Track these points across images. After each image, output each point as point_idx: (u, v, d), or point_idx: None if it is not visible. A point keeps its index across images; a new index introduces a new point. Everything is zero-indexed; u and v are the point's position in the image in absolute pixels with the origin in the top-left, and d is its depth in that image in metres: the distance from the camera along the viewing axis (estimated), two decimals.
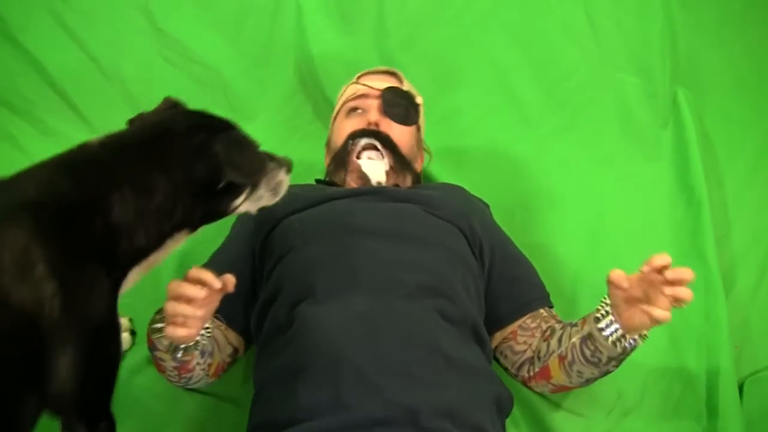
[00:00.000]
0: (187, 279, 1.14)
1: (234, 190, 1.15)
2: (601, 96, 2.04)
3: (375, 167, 1.59)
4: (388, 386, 1.14)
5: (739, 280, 1.74)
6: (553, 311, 1.47)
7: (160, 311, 1.25)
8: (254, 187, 1.19)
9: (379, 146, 1.60)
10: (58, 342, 0.96)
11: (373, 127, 1.62)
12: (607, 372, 1.31)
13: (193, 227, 1.16)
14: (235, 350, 1.44)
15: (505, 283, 1.47)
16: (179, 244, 1.16)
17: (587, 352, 1.27)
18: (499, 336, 1.46)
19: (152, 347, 1.27)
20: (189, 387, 1.42)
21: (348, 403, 1.13)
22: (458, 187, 1.65)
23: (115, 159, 1.07)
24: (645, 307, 1.16)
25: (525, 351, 1.41)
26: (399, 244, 1.36)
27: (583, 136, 1.98)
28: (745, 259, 1.78)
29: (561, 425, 1.48)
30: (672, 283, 1.13)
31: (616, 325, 1.23)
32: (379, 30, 2.07)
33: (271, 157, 1.23)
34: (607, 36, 2.10)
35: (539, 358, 1.38)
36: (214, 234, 1.54)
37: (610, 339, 1.23)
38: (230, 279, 1.16)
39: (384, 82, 1.68)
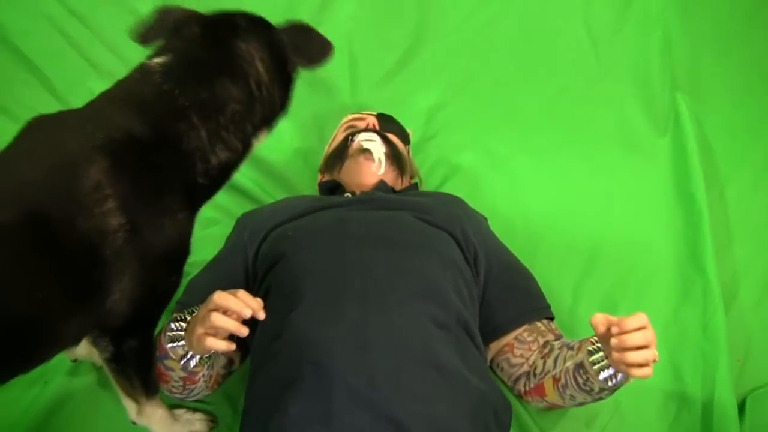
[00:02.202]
0: (236, 296, 1.12)
1: (295, 77, 1.24)
2: (600, 107, 2.05)
3: (374, 146, 1.62)
4: (378, 399, 1.11)
5: (742, 293, 1.71)
6: (553, 324, 1.45)
7: (176, 320, 1.24)
8: None
9: (377, 137, 1.64)
10: (117, 268, 1.02)
11: (371, 127, 1.68)
12: (600, 399, 1.28)
13: (270, 124, 1.23)
14: (230, 362, 1.43)
15: (503, 292, 1.45)
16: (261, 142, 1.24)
17: (580, 380, 1.25)
18: (495, 347, 1.44)
19: (163, 356, 1.26)
20: (187, 399, 1.40)
21: (338, 415, 1.11)
22: (455, 197, 1.64)
23: (176, 86, 1.10)
24: (618, 356, 1.13)
25: (522, 365, 1.39)
26: (391, 251, 1.34)
27: (583, 148, 1.98)
28: (748, 272, 1.76)
29: None
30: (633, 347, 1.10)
31: (606, 362, 1.19)
32: (377, 45, 2.07)
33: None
34: (607, 47, 2.11)
35: (535, 375, 1.36)
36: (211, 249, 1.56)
37: (602, 375, 1.20)
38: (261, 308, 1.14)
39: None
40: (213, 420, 1.42)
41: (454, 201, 1.61)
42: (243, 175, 1.84)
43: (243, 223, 1.57)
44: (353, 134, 1.66)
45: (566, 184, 1.90)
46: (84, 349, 1.21)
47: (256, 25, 1.19)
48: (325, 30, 1.24)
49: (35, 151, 1.04)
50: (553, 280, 1.61)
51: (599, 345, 1.21)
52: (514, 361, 1.41)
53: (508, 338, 1.42)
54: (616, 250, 1.76)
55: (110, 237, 1.00)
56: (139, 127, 1.05)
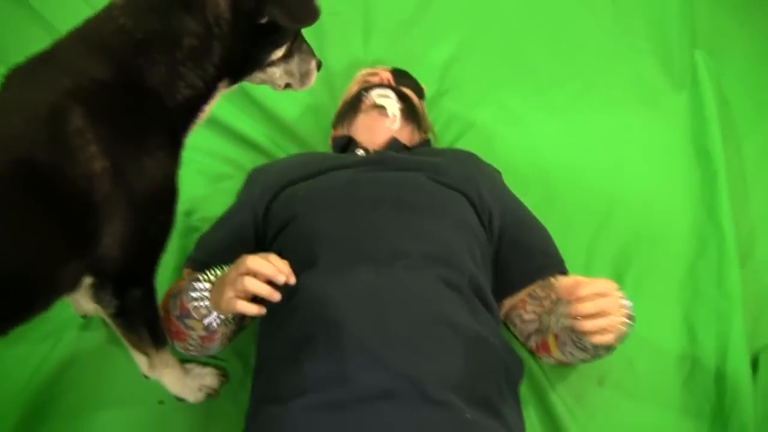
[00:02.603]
0: (268, 260, 1.12)
1: (275, 39, 1.17)
2: (616, 63, 2.03)
3: (389, 102, 1.61)
4: (393, 358, 1.11)
5: (758, 249, 1.68)
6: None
7: (198, 280, 1.24)
8: (289, 54, 1.22)
9: (391, 93, 1.62)
10: (106, 212, 1.03)
11: (386, 82, 1.66)
12: (599, 357, 1.27)
13: (233, 76, 1.18)
14: (242, 319, 1.43)
15: (516, 248, 1.44)
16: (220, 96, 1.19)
17: (574, 339, 1.24)
18: (508, 303, 1.44)
19: (185, 315, 1.25)
20: (201, 356, 1.41)
21: (353, 374, 1.11)
22: (468, 152, 1.62)
23: (132, 19, 1.06)
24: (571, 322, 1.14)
25: (534, 321, 1.38)
26: (403, 213, 1.33)
27: (598, 104, 1.95)
28: (765, 227, 1.73)
29: (565, 398, 1.43)
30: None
31: None
32: None
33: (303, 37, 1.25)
34: (625, 4, 2.07)
35: (542, 331, 1.35)
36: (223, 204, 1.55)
37: None
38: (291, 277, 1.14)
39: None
40: (224, 375, 1.43)
41: (469, 158, 1.59)
42: (254, 129, 1.84)
43: (254, 178, 1.56)
44: (367, 89, 1.64)
45: (582, 140, 1.88)
46: (92, 304, 1.22)
47: None
48: None
49: (13, 103, 1.04)
50: (567, 235, 1.57)
51: None
52: (526, 317, 1.40)
53: (522, 294, 1.42)
54: (631, 205, 1.74)
55: (96, 181, 1.01)
56: (102, 67, 1.04)
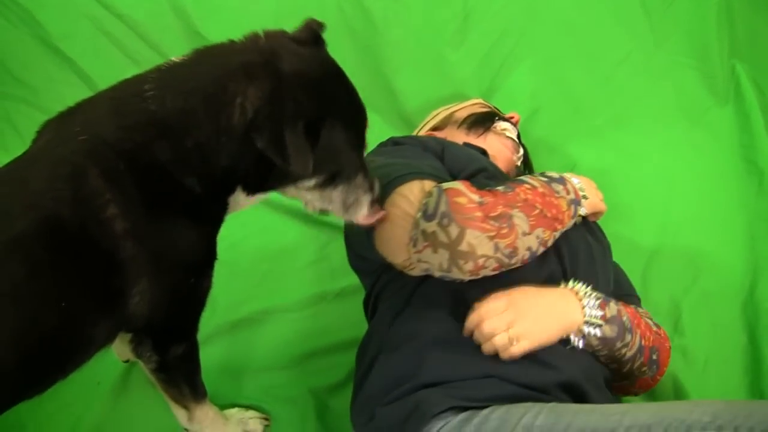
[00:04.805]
0: None
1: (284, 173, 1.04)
2: (657, 80, 1.98)
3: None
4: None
5: None
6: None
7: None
8: (329, 182, 1.08)
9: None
10: (132, 271, 1.01)
11: (515, 122, 1.68)
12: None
13: (249, 187, 1.09)
14: None
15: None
16: (242, 206, 1.13)
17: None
18: None
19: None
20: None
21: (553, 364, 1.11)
22: None
23: (160, 96, 1.01)
24: None
25: None
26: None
27: (642, 123, 1.91)
28: None
29: None
30: None
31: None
32: (427, 25, 1.98)
33: (364, 171, 1.10)
34: (660, 18, 2.02)
35: None
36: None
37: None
38: None
39: None
40: (266, 418, 1.40)
41: None
42: None
43: (425, 143, 1.39)
44: (501, 117, 1.63)
45: (627, 162, 1.84)
46: None
47: (270, 76, 1.00)
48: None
49: (41, 157, 1.03)
50: (623, 260, 1.51)
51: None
52: None
53: None
54: (684, 227, 1.70)
55: (120, 241, 0.99)
56: (120, 133, 1.01)
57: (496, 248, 1.07)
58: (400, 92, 1.92)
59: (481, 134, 1.58)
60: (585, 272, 1.24)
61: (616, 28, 2.01)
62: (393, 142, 1.41)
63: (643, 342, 1.23)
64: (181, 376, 1.22)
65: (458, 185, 1.10)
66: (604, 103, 1.94)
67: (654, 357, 1.26)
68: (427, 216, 1.06)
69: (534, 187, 1.16)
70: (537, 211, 1.12)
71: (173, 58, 1.07)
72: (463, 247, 1.05)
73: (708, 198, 1.77)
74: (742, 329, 1.51)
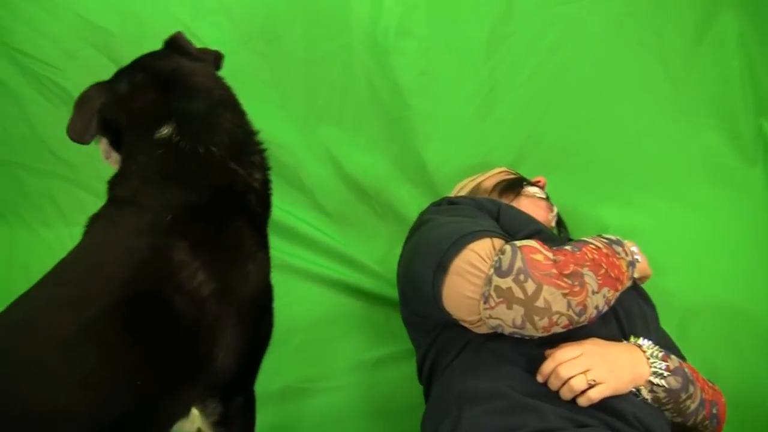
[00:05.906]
0: None
1: None
2: (683, 143, 2.00)
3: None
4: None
5: None
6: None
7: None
8: None
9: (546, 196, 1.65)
10: (218, 330, 1.05)
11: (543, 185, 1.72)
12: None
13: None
14: None
15: None
16: None
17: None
18: None
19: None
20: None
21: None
22: None
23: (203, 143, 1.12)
24: None
25: None
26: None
27: (670, 187, 1.94)
28: None
29: None
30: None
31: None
32: (454, 96, 2.03)
33: None
34: (683, 82, 2.04)
35: None
36: None
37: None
38: None
39: None
40: None
41: None
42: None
43: (480, 203, 1.40)
44: (529, 183, 1.66)
45: (657, 227, 1.85)
46: (190, 425, 1.23)
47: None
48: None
49: (101, 248, 1.07)
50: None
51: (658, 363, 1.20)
52: None
53: None
54: (718, 288, 1.71)
55: (206, 304, 1.03)
56: (195, 193, 1.08)
57: (569, 305, 1.09)
58: (429, 161, 1.95)
59: (513, 200, 1.60)
60: (642, 333, 1.27)
61: (639, 93, 2.03)
62: (448, 202, 1.43)
63: (703, 395, 1.25)
64: (241, 427, 1.24)
65: (533, 243, 1.13)
66: (631, 168, 1.97)
67: (714, 411, 1.27)
68: (501, 272, 1.08)
69: (598, 248, 1.19)
70: (603, 271, 1.15)
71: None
72: (540, 303, 1.07)
73: (740, 258, 1.78)
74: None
